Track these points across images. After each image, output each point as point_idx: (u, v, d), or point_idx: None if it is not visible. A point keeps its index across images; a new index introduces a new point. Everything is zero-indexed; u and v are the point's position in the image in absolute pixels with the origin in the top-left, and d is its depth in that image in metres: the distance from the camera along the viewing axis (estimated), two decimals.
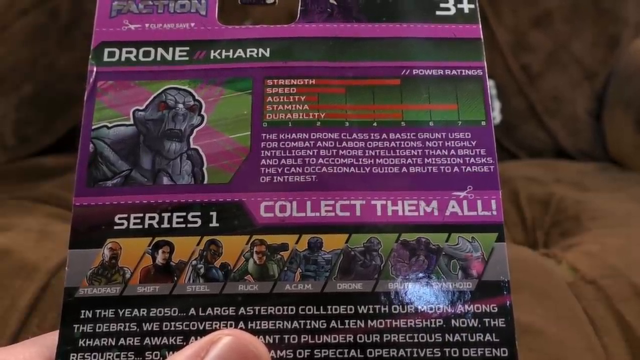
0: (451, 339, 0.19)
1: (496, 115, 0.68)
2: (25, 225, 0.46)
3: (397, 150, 0.21)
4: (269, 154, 0.21)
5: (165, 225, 0.20)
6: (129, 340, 0.19)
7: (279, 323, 0.19)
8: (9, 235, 0.44)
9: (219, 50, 0.22)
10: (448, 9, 0.22)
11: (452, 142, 0.21)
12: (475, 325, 0.19)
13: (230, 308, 0.19)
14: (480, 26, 0.22)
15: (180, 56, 0.22)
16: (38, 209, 0.50)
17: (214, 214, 0.20)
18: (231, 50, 0.22)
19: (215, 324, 0.19)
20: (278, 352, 0.19)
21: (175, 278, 0.19)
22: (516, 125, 0.69)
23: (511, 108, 0.68)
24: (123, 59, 0.22)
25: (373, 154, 0.21)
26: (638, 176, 0.62)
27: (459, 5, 0.23)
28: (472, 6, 0.23)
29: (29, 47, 0.60)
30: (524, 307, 0.37)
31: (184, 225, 0.20)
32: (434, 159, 0.21)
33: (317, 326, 0.19)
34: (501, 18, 0.68)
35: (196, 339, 0.18)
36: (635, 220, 0.51)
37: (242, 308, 0.19)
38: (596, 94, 0.69)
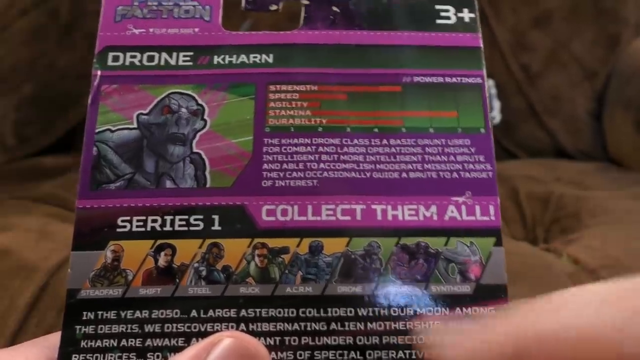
0: None
1: (496, 115, 0.68)
2: (24, 225, 0.46)
3: (398, 156, 0.21)
4: (271, 159, 0.21)
5: (168, 228, 0.20)
6: (131, 341, 0.19)
7: (280, 325, 0.19)
8: (9, 235, 0.44)
9: (222, 56, 0.22)
10: (449, 18, 0.23)
11: (452, 148, 0.21)
12: None
13: (232, 310, 0.19)
14: (481, 35, 0.22)
15: (184, 61, 0.22)
16: (38, 209, 0.50)
17: (216, 217, 0.20)
18: (235, 56, 0.22)
19: (217, 326, 0.19)
20: (278, 353, 0.19)
21: (177, 280, 0.20)
22: (516, 125, 0.69)
23: (511, 108, 0.69)
24: (127, 63, 0.22)
25: (374, 159, 0.21)
26: (638, 176, 0.62)
27: (460, 15, 0.23)
28: (473, 15, 0.23)
29: (29, 47, 0.60)
30: (523, 299, 0.37)
31: (186, 228, 0.20)
32: (433, 164, 0.21)
33: (317, 328, 0.19)
34: (501, 18, 0.68)
35: (197, 341, 0.18)
36: (636, 217, 0.51)
37: (243, 310, 0.19)
38: (596, 94, 0.69)
